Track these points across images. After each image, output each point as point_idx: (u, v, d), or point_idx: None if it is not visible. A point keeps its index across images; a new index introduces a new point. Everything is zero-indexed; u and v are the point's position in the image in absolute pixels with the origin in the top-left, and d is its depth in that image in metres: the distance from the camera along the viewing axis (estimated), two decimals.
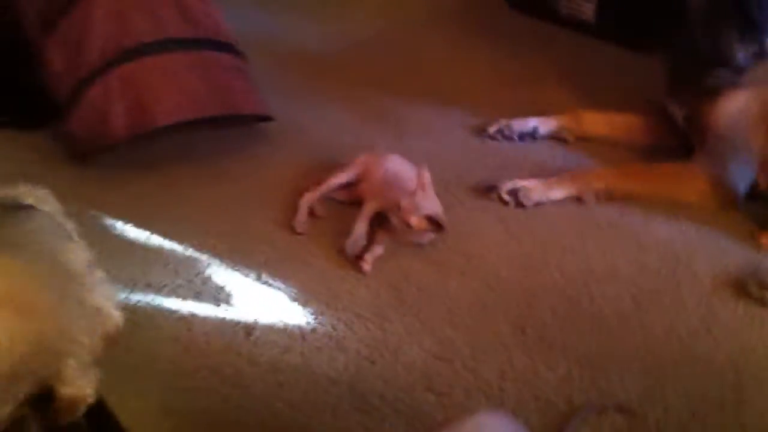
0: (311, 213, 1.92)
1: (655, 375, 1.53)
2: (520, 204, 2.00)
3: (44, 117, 2.25)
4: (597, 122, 2.30)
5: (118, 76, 2.00)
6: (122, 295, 1.67)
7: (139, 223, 1.89)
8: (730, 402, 1.48)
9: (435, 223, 1.79)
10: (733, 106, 2.07)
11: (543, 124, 2.31)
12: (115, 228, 1.88)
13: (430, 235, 1.83)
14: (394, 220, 1.80)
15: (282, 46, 2.78)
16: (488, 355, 1.54)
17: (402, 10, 3.17)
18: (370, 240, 1.82)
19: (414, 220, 1.78)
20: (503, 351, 1.56)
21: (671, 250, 1.87)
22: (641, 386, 1.49)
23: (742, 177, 2.03)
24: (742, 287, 1.75)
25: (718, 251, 1.87)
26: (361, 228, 1.83)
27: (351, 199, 1.97)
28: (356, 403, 1.43)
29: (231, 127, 2.22)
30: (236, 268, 1.76)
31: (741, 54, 2.04)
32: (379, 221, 1.86)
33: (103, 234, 1.86)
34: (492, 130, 2.30)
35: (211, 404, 1.43)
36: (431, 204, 1.83)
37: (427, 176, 1.84)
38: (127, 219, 1.90)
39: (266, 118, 2.20)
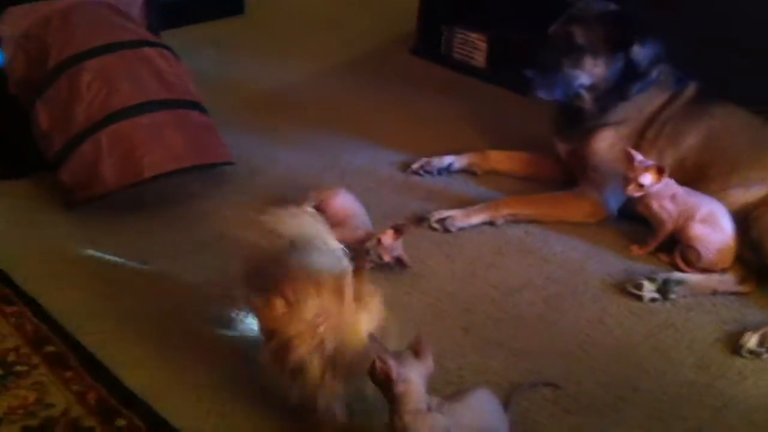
0: None
1: (568, 358, 2.02)
2: (447, 230, 2.46)
3: (27, 168, 2.54)
4: (501, 159, 2.81)
5: (107, 134, 2.31)
6: None
7: (142, 261, 2.23)
8: (623, 374, 1.98)
9: (401, 262, 2.25)
10: (603, 143, 2.57)
11: (457, 161, 2.79)
12: (124, 265, 2.21)
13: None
14: (370, 251, 2.21)
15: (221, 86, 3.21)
16: (447, 353, 1.97)
17: (322, 58, 3.69)
18: None
19: (387, 258, 2.22)
20: (457, 348, 2.00)
21: (567, 261, 2.38)
22: (560, 367, 1.98)
23: (615, 199, 2.53)
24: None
25: (602, 260, 2.39)
26: None
27: None
28: None
29: (198, 171, 2.56)
30: None
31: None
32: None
33: (116, 270, 2.19)
34: (415, 166, 2.77)
35: None
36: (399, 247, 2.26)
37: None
38: (128, 257, 2.23)
39: (228, 163, 2.58)
